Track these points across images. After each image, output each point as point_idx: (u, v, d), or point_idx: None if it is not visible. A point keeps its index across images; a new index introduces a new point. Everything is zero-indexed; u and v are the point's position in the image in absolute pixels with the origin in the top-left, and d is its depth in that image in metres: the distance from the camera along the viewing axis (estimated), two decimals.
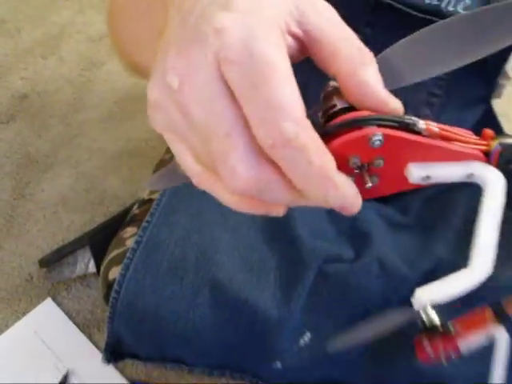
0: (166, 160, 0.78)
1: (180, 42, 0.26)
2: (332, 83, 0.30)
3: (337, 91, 0.29)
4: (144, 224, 0.63)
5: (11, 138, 1.06)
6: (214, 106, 0.24)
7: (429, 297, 0.35)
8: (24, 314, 0.78)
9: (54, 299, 0.79)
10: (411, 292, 0.36)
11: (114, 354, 0.65)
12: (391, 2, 0.60)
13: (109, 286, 0.62)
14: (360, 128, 0.28)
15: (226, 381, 0.67)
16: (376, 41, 0.57)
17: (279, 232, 0.63)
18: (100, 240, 0.78)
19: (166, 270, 0.60)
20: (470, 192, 0.63)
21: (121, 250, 0.65)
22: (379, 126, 0.28)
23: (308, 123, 0.24)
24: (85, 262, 0.78)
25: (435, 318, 0.38)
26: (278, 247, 0.61)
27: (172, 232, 0.62)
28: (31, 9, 1.39)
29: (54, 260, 0.79)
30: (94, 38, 1.33)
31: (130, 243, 0.64)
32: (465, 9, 0.60)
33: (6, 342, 0.75)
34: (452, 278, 0.34)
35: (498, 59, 0.67)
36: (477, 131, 0.37)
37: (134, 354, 0.66)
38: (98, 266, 0.77)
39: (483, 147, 0.32)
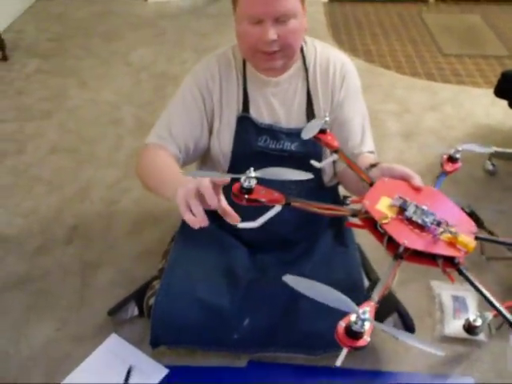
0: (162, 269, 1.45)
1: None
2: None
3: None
4: (162, 278, 1.33)
5: (72, 253, 1.77)
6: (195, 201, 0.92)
7: None
8: (100, 343, 1.45)
9: (116, 333, 1.47)
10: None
11: (154, 344, 1.32)
12: (266, 150, 1.32)
13: (149, 308, 1.32)
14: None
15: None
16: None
17: (228, 269, 1.33)
18: (138, 297, 1.48)
19: (176, 297, 1.28)
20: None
21: (153, 290, 1.36)
22: None
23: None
24: (132, 310, 1.47)
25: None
26: (228, 276, 1.32)
27: (174, 279, 1.31)
28: (67, 170, 2.16)
29: (115, 311, 1.48)
30: (109, 185, 2.09)
31: (156, 287, 1.33)
32: (296, 147, 1.32)
33: (94, 357, 1.41)
34: None
35: (317, 173, 1.37)
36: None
37: (165, 342, 1.33)
38: (139, 311, 1.46)
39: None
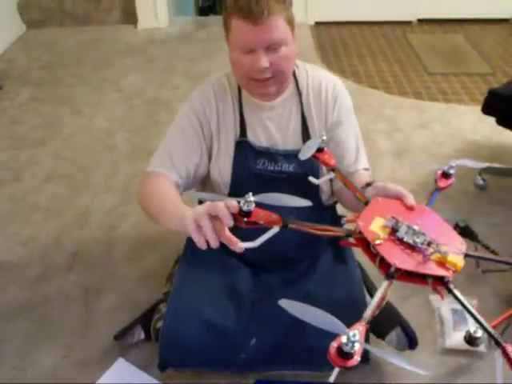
0: (168, 292, 1.45)
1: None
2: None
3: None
4: (168, 301, 1.35)
5: (73, 280, 1.78)
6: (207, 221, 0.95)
7: None
8: (107, 368, 1.46)
9: (123, 357, 1.48)
10: None
11: (162, 367, 1.33)
12: (264, 172, 1.36)
13: (157, 331, 1.33)
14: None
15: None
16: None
17: (233, 290, 1.35)
18: (144, 320, 1.49)
19: (183, 319, 1.30)
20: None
21: (159, 314, 1.37)
22: None
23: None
24: (138, 334, 1.48)
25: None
26: (233, 297, 1.34)
27: (181, 301, 1.33)
28: (64, 197, 2.18)
29: (121, 335, 1.49)
30: (107, 210, 2.11)
31: (163, 310, 1.35)
32: (293, 168, 1.36)
33: (102, 382, 1.42)
34: None
35: (315, 192, 1.41)
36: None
37: (173, 365, 1.34)
38: (145, 335, 1.47)
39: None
